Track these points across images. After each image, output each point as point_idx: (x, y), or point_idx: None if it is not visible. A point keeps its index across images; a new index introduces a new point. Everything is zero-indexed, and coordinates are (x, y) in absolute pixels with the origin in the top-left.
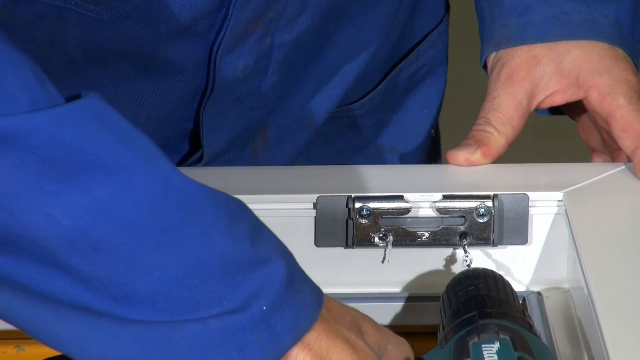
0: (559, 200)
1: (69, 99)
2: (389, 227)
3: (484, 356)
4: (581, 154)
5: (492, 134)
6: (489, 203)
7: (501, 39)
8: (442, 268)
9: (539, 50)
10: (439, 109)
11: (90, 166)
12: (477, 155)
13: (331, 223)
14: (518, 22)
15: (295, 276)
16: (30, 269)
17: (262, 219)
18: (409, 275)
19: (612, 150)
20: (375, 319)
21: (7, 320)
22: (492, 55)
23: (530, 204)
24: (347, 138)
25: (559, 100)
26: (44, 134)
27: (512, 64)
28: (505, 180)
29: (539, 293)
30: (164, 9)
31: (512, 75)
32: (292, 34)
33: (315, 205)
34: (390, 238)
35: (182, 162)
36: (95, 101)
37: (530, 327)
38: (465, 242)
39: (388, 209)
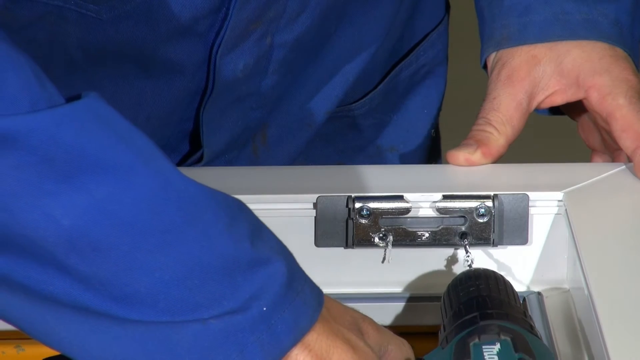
0: (559, 200)
1: (69, 99)
2: (389, 227)
3: (485, 357)
4: (581, 154)
5: (492, 134)
6: (489, 203)
7: (501, 39)
8: (442, 268)
9: (539, 50)
10: (439, 109)
11: (90, 166)
12: (477, 155)
13: (331, 223)
14: (518, 22)
15: (296, 276)
16: (30, 269)
17: (262, 219)
18: (409, 276)
19: (612, 150)
20: (376, 319)
21: (7, 320)
22: (492, 55)
23: (530, 204)
24: (347, 138)
25: (559, 100)
26: (44, 134)
27: (512, 64)
28: (505, 180)
29: (539, 293)
30: (164, 9)
31: (512, 75)
32: (292, 34)
33: (315, 205)
34: (390, 238)
35: (182, 162)
36: (95, 101)
37: (531, 328)
38: (466, 242)
39: (388, 209)
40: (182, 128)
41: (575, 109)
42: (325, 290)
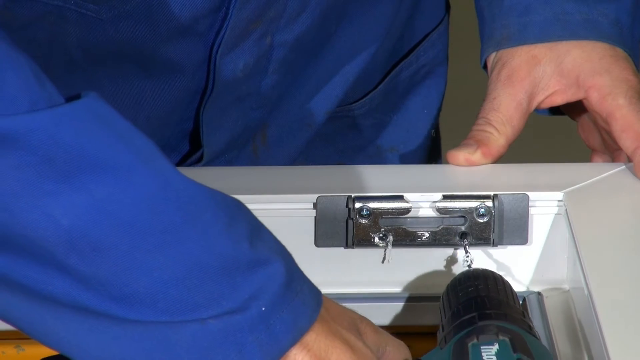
0: (559, 200)
1: (69, 99)
2: (389, 227)
3: (483, 357)
4: (581, 154)
5: (492, 134)
6: (489, 203)
7: (501, 39)
8: (442, 268)
9: (539, 50)
10: (439, 109)
11: (90, 166)
12: (477, 155)
13: (331, 223)
14: (518, 22)
15: (294, 277)
16: (30, 269)
17: (262, 219)
18: (409, 276)
19: (612, 150)
20: (375, 319)
21: (7, 320)
22: (492, 55)
23: (530, 204)
24: (347, 138)
25: (559, 100)
26: (44, 134)
27: (512, 64)
28: (505, 180)
29: (539, 293)
30: (164, 9)
31: (512, 76)
32: (292, 34)
33: (315, 205)
34: (390, 238)
35: (182, 162)
36: (94, 101)
37: (529, 329)
38: (465, 242)
39: (388, 209)
40: (182, 128)
41: (575, 109)
42: (325, 290)
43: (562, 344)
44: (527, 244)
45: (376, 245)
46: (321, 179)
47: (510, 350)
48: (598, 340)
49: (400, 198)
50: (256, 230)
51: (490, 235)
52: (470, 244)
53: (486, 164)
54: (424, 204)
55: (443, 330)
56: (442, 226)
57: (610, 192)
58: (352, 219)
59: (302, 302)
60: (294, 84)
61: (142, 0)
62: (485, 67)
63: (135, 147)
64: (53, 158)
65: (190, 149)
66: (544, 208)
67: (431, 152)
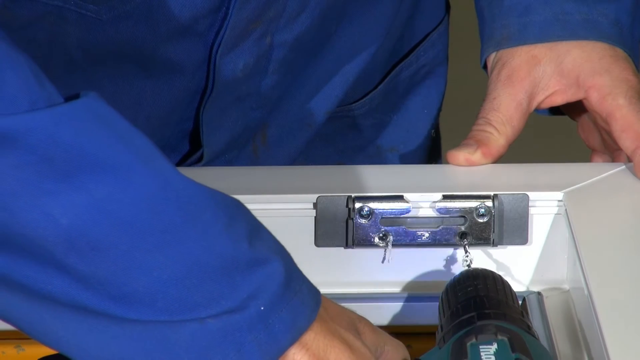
0: (559, 200)
1: (68, 98)
2: (389, 227)
3: (482, 357)
4: (581, 154)
5: (492, 134)
6: (489, 203)
7: (501, 39)
8: (442, 268)
9: (539, 50)
10: (439, 109)
11: (90, 166)
12: (477, 155)
13: (331, 223)
14: (518, 22)
15: (293, 276)
16: (29, 269)
17: (262, 219)
18: (408, 276)
19: (612, 150)
20: (375, 319)
21: (6, 320)
22: (492, 56)
23: (530, 204)
24: (347, 138)
25: (559, 100)
26: (43, 133)
27: (512, 64)
28: (505, 180)
29: (539, 293)
30: (164, 9)
31: (512, 76)
32: (292, 34)
33: (315, 205)
34: (390, 238)
35: (182, 162)
36: (94, 101)
37: (528, 329)
38: (465, 242)
39: (388, 209)
40: (182, 128)
41: (575, 109)
42: (325, 290)
43: (562, 344)
44: (527, 244)
45: (376, 245)
46: (321, 179)
47: (509, 349)
48: (598, 340)
49: (400, 198)
50: (255, 230)
51: (490, 235)
52: (470, 244)
53: (486, 164)
54: (424, 204)
55: (442, 330)
56: (442, 226)
57: (610, 192)
58: (352, 219)
59: (301, 302)
60: (294, 84)
61: (142, 1)
62: (485, 67)
63: (135, 147)
64: (52, 157)
65: (190, 149)
66: (544, 208)
67: (431, 152)
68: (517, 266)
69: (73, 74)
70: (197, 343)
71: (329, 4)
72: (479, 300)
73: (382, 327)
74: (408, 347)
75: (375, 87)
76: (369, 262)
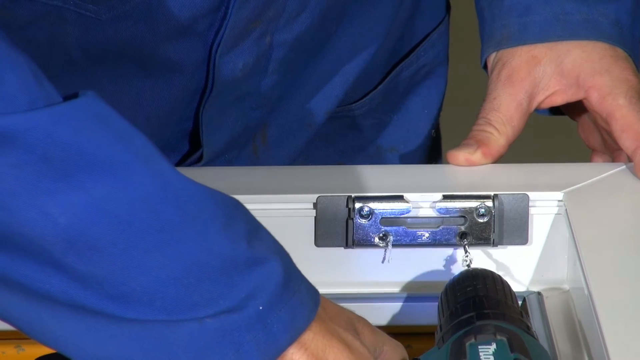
0: (559, 200)
1: (67, 97)
2: (389, 227)
3: (481, 357)
4: (581, 154)
5: (492, 134)
6: (489, 203)
7: (501, 39)
8: (442, 268)
9: (539, 50)
10: (440, 109)
11: (88, 165)
12: (477, 155)
13: (331, 223)
14: (518, 22)
15: (292, 276)
16: (27, 268)
17: (262, 219)
18: (409, 276)
19: (612, 150)
20: (375, 319)
21: (5, 319)
22: (493, 56)
23: (530, 204)
24: (347, 138)
25: (559, 100)
26: (42, 132)
27: (512, 64)
28: (505, 180)
29: (539, 293)
30: (163, 9)
31: (513, 76)
32: (291, 34)
33: (315, 205)
34: (390, 238)
35: (181, 162)
36: (93, 100)
37: (527, 329)
38: (465, 242)
39: (388, 209)
40: (181, 127)
41: (575, 109)
42: (326, 290)
43: (562, 344)
44: (527, 244)
45: (376, 245)
46: (321, 179)
47: (508, 350)
48: (598, 340)
49: (400, 198)
50: (254, 229)
51: (490, 235)
52: (470, 244)
53: (486, 164)
54: (424, 204)
55: (441, 330)
56: (442, 226)
57: (610, 192)
58: (352, 219)
59: (300, 302)
60: (293, 84)
61: (142, 1)
62: (485, 67)
63: (134, 146)
64: (51, 157)
65: (190, 149)
66: (544, 208)
67: (431, 152)
68: (517, 266)
69: (72, 73)
70: (196, 343)
71: (329, 4)
72: (478, 300)
73: (382, 327)
74: (408, 347)
75: (376, 87)
76: (368, 262)
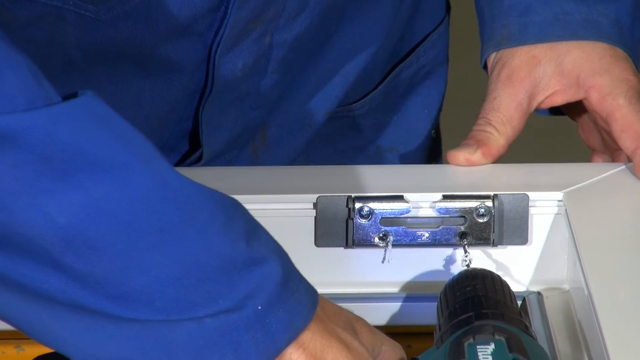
0: (559, 200)
1: (66, 97)
2: (389, 227)
3: (479, 357)
4: (581, 154)
5: (492, 134)
6: (489, 203)
7: (501, 39)
8: (442, 268)
9: (539, 50)
10: (440, 110)
11: (87, 165)
12: (477, 155)
13: (331, 223)
14: (518, 22)
15: (291, 276)
16: (27, 268)
17: (262, 219)
18: (409, 276)
19: (612, 151)
20: (375, 319)
21: (5, 319)
22: (493, 56)
23: (530, 204)
24: (347, 138)
25: (559, 100)
26: (41, 132)
27: (512, 64)
28: (505, 180)
29: (539, 293)
30: (163, 9)
31: (513, 76)
32: (291, 34)
33: (315, 205)
34: (390, 238)
35: (181, 162)
36: (92, 99)
37: (526, 329)
38: (465, 242)
39: (388, 209)
40: (181, 127)
41: (575, 109)
42: (325, 290)
43: (562, 344)
44: (527, 244)
45: (376, 245)
46: (321, 179)
47: (506, 349)
48: (598, 341)
49: (400, 198)
50: (253, 229)
51: (490, 235)
52: (470, 244)
53: (486, 164)
54: (424, 204)
55: (440, 330)
56: (442, 226)
57: (610, 192)
58: (352, 219)
59: (298, 302)
60: (293, 84)
61: (141, 1)
62: (485, 67)
63: (133, 146)
64: (50, 156)
65: (190, 149)
66: (544, 208)
67: (431, 152)
68: (517, 266)
69: (72, 74)
70: (195, 342)
71: (328, 4)
72: (477, 300)
73: (382, 327)
74: (408, 347)
75: (376, 88)
76: (368, 262)
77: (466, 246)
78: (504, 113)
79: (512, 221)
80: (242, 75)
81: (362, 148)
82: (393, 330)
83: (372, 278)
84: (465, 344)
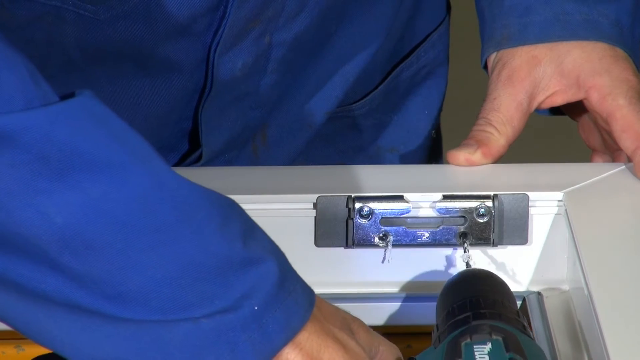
0: (559, 200)
1: (63, 97)
2: (389, 227)
3: (476, 357)
4: (581, 154)
5: (492, 134)
6: (489, 203)
7: (502, 39)
8: (442, 268)
9: (540, 50)
10: (440, 110)
11: (84, 165)
12: (477, 156)
13: (331, 223)
14: (518, 22)
15: (288, 276)
16: (24, 268)
17: (261, 219)
18: (408, 276)
19: (612, 151)
20: (376, 319)
21: (2, 319)
22: (493, 56)
23: (530, 204)
24: (347, 138)
25: (559, 100)
26: (38, 132)
27: (512, 64)
28: (505, 180)
29: (539, 293)
30: (162, 8)
31: (513, 76)
32: (291, 33)
33: (315, 205)
34: (390, 238)
35: (181, 162)
36: (89, 99)
37: (523, 329)
38: (465, 242)
39: (388, 209)
40: (180, 127)
41: (575, 109)
42: (325, 290)
43: (562, 344)
44: (527, 244)
45: (376, 245)
46: (321, 179)
47: (503, 349)
48: (598, 341)
49: (400, 198)
50: (250, 229)
51: (490, 235)
52: (470, 244)
53: (486, 164)
54: (424, 204)
55: (438, 330)
56: (442, 226)
57: (610, 192)
58: (352, 219)
59: (295, 302)
60: (293, 84)
61: (140, 0)
62: (485, 67)
63: (130, 146)
64: (47, 156)
65: (189, 149)
66: (544, 208)
67: (431, 152)
68: (517, 266)
69: (71, 73)
70: (191, 343)
71: (328, 4)
72: (474, 300)
73: (382, 327)
74: (408, 347)
75: (376, 88)
76: (368, 262)
77: (466, 246)
78: (504, 113)
79: (512, 221)
80: (242, 75)
81: (362, 148)
82: (393, 330)
83: (372, 278)
84: (463, 343)
